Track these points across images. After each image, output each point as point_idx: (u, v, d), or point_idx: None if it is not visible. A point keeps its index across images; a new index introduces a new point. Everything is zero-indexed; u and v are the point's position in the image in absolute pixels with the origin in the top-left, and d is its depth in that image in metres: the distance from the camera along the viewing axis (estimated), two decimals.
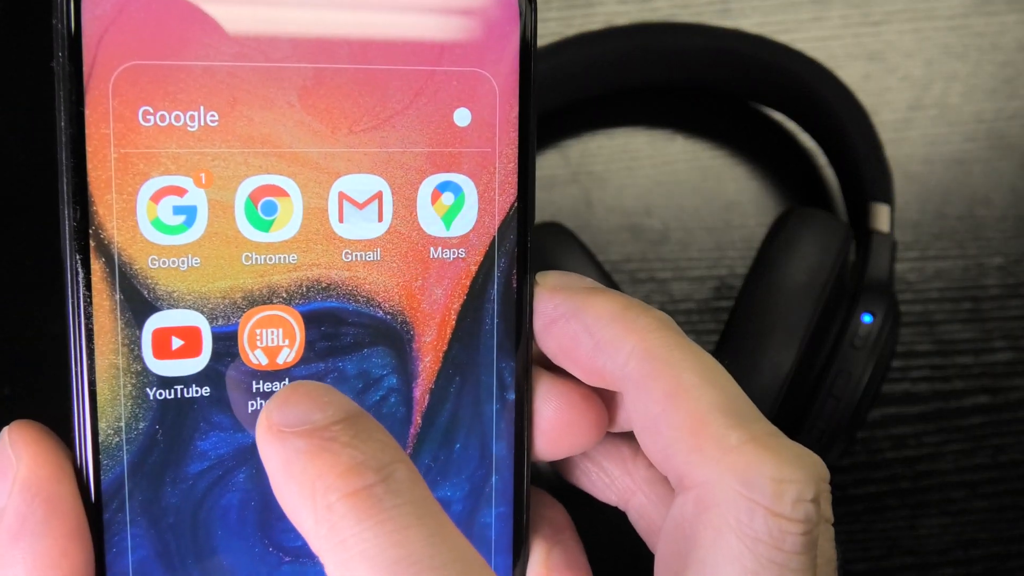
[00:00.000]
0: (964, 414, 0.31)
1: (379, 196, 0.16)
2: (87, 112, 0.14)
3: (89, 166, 0.14)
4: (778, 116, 0.32)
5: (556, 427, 0.17)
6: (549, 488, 0.18)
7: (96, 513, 0.15)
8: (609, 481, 0.18)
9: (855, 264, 0.27)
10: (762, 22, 0.32)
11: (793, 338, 0.25)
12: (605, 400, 0.17)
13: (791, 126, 0.32)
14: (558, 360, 0.17)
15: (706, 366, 0.15)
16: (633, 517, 0.18)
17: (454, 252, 0.16)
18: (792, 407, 0.25)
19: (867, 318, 0.26)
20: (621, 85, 0.31)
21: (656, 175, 0.31)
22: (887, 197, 0.28)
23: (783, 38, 0.29)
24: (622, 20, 0.31)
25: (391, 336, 0.16)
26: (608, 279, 0.27)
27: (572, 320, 0.16)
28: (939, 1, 0.32)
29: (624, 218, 0.31)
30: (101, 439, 0.15)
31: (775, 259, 0.26)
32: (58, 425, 0.15)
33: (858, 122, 0.29)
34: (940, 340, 0.31)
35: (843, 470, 0.30)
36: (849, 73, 0.31)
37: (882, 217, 0.28)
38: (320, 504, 0.13)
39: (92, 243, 0.15)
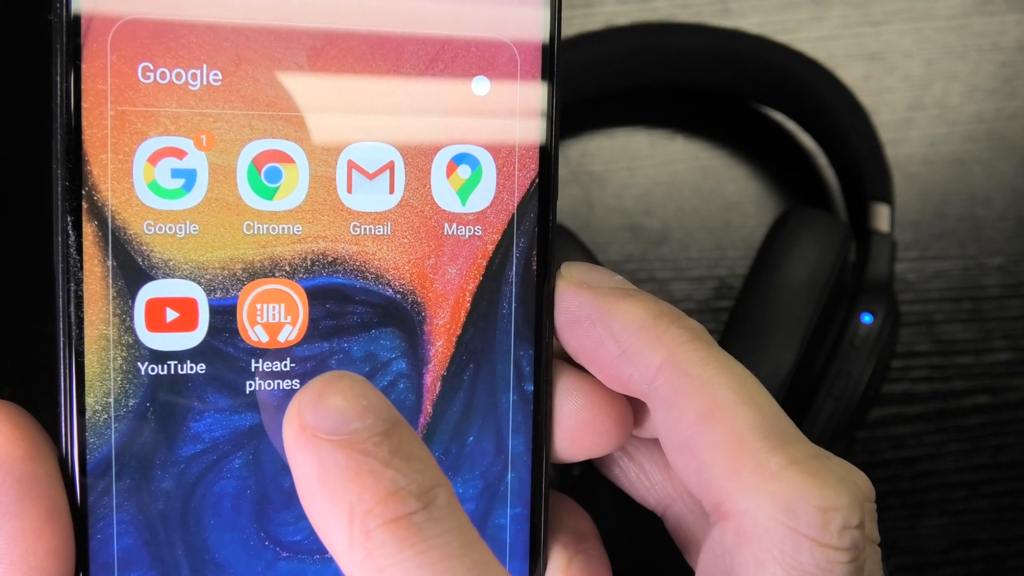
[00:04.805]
0: (964, 414, 0.30)
1: (391, 166, 0.15)
2: (84, 66, 0.13)
3: (84, 123, 0.14)
4: (778, 116, 0.31)
5: (577, 425, 0.16)
6: (573, 495, 0.18)
7: (80, 496, 0.14)
8: (649, 485, 0.17)
9: (855, 264, 0.27)
10: (762, 22, 0.32)
11: (793, 338, 0.25)
12: (631, 401, 0.16)
13: (791, 126, 0.31)
14: (580, 360, 0.16)
15: (742, 382, 0.14)
16: (671, 525, 0.17)
17: (470, 229, 0.16)
18: (792, 407, 0.25)
19: (867, 318, 0.26)
20: (621, 85, 0.30)
21: (656, 175, 0.31)
22: (887, 197, 0.28)
23: (783, 38, 0.29)
24: (622, 20, 0.31)
25: (401, 317, 0.15)
26: None
27: (597, 323, 0.15)
28: (939, 1, 0.32)
29: (624, 218, 0.31)
30: (88, 415, 0.14)
31: (775, 259, 0.26)
32: (58, 424, 0.14)
33: (858, 122, 0.29)
34: (940, 340, 0.31)
35: None
36: (849, 73, 0.31)
37: (882, 217, 0.28)
38: (358, 529, 0.12)
39: (84, 204, 0.14)
